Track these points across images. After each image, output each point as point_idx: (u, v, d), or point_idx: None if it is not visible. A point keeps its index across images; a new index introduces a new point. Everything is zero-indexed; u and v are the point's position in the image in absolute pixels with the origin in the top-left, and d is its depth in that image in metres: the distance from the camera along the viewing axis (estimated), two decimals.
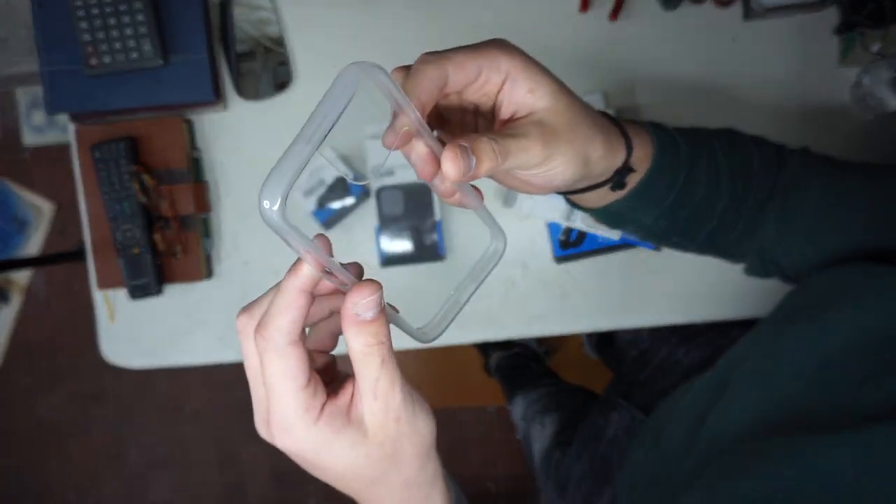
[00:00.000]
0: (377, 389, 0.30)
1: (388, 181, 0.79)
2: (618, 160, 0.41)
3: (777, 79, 0.79)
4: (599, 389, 1.02)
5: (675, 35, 0.80)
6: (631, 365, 0.95)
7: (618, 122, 0.42)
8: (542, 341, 1.61)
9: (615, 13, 0.79)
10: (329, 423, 0.30)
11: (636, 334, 0.99)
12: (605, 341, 1.37)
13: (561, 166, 0.36)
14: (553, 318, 0.82)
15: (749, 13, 0.78)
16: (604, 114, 0.42)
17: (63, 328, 1.83)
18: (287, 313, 0.29)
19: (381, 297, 0.30)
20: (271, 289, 0.31)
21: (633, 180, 0.44)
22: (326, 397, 0.31)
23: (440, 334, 0.34)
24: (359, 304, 0.29)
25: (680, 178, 0.47)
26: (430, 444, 0.33)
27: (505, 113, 0.36)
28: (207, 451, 1.82)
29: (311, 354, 0.31)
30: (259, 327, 0.29)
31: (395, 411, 0.31)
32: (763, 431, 0.44)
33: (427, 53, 0.33)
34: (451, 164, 0.31)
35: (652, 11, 0.80)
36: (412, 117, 0.31)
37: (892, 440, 0.36)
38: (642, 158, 0.44)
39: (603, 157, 0.39)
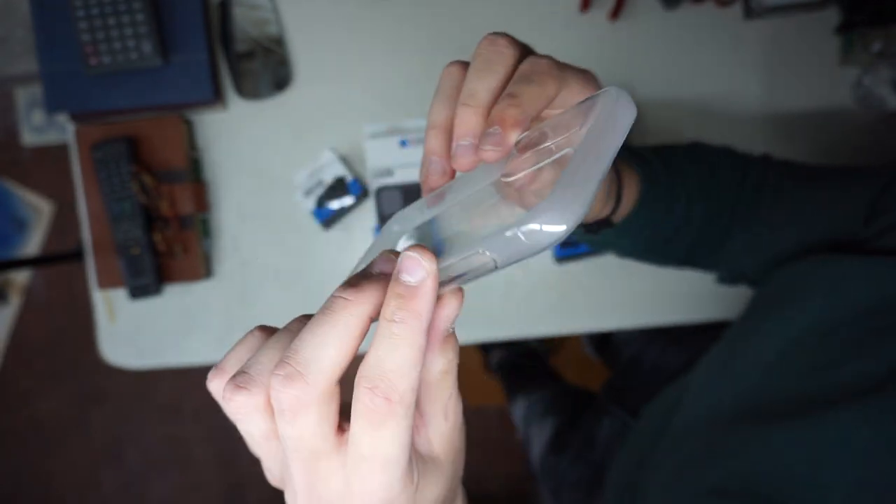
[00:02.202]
0: (448, 409, 0.25)
1: (388, 181, 0.79)
2: (605, 213, 0.43)
3: (777, 79, 0.79)
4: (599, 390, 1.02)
5: (675, 35, 0.80)
6: (624, 369, 0.96)
7: (619, 175, 0.44)
8: (542, 341, 1.61)
9: (615, 13, 0.79)
10: (419, 470, 0.25)
11: (630, 336, 1.00)
12: (605, 341, 1.37)
13: None
14: (553, 318, 0.82)
15: (749, 13, 0.78)
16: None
17: (63, 328, 1.83)
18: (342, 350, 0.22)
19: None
20: (239, 344, 0.25)
21: (617, 216, 0.46)
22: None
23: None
24: (451, 318, 0.24)
25: (660, 210, 0.49)
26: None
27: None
28: (207, 451, 1.82)
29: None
30: (367, 383, 0.22)
31: (461, 422, 0.27)
32: (724, 424, 0.44)
33: (549, 62, 0.29)
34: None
35: (652, 11, 0.80)
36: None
37: (840, 428, 0.36)
38: (628, 200, 0.45)
39: (596, 213, 0.41)
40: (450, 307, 0.24)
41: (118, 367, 0.86)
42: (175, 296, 0.85)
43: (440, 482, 0.26)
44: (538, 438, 0.96)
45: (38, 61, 0.80)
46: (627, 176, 0.45)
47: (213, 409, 1.81)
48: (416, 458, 0.25)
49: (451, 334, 0.24)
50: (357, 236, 0.82)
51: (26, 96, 1.81)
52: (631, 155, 0.48)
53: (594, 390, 1.03)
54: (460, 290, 0.24)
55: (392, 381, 0.22)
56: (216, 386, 0.25)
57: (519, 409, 1.09)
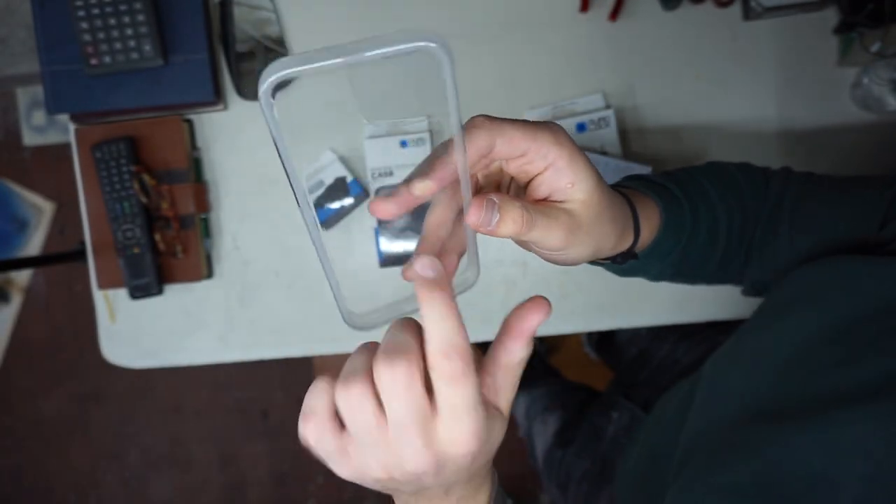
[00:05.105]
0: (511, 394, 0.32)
1: (388, 181, 0.79)
2: (625, 246, 0.43)
3: (776, 79, 0.79)
4: (600, 387, 1.02)
5: (675, 35, 0.80)
6: (631, 363, 0.96)
7: (632, 205, 0.44)
8: (542, 340, 1.61)
9: (615, 13, 0.79)
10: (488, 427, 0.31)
11: (635, 332, 1.00)
12: (605, 340, 1.37)
13: (573, 255, 0.38)
14: (553, 318, 0.82)
15: (749, 13, 0.78)
16: (620, 192, 0.43)
17: (63, 328, 1.83)
18: (459, 332, 0.29)
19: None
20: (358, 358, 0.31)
21: (639, 247, 0.46)
22: None
23: (368, 329, 0.34)
24: (538, 322, 0.31)
25: (684, 236, 0.49)
26: (495, 450, 0.34)
27: (540, 193, 0.37)
28: (207, 451, 1.82)
29: None
30: (440, 354, 0.28)
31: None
32: (738, 423, 0.45)
33: (482, 117, 0.33)
34: (474, 212, 0.32)
35: (652, 11, 0.80)
36: (461, 152, 0.31)
37: (854, 427, 0.36)
38: (648, 229, 0.46)
39: (613, 248, 0.42)
40: (539, 315, 0.31)
41: (118, 367, 0.87)
42: (175, 296, 0.85)
43: (501, 431, 0.32)
44: (542, 434, 0.96)
45: (38, 61, 0.80)
46: (644, 206, 0.45)
47: (213, 408, 1.82)
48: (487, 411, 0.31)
49: (533, 336, 0.31)
50: (357, 236, 0.82)
51: (27, 96, 1.81)
52: (647, 184, 0.49)
53: (596, 388, 1.03)
54: (549, 304, 0.31)
55: (463, 346, 0.28)
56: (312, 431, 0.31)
57: (520, 407, 1.09)
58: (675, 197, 0.49)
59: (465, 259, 0.37)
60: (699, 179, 0.53)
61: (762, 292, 0.60)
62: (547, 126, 0.35)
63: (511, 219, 0.33)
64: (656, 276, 0.53)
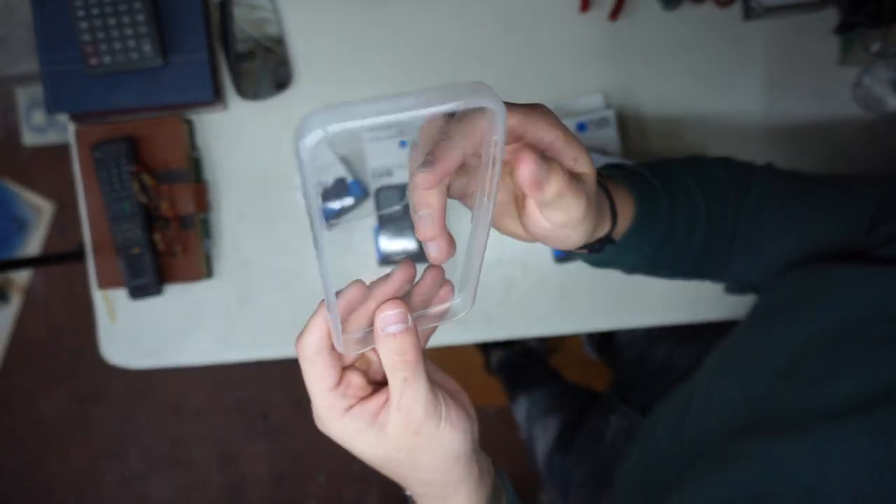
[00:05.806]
0: (400, 403, 0.33)
1: (388, 181, 0.79)
2: (602, 231, 0.43)
3: (776, 79, 0.79)
4: (601, 388, 1.02)
5: (675, 35, 0.80)
6: (629, 367, 0.96)
7: (607, 190, 0.44)
8: (542, 341, 1.61)
9: (615, 13, 0.79)
10: (353, 421, 0.34)
11: (634, 335, 1.00)
12: (605, 341, 1.37)
13: (579, 234, 0.37)
14: (553, 318, 0.82)
15: (749, 13, 0.78)
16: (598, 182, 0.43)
17: (63, 328, 1.83)
18: (314, 331, 0.33)
19: (407, 316, 0.32)
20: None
21: (617, 233, 0.46)
22: (360, 398, 0.34)
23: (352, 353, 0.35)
24: (382, 319, 0.32)
25: (660, 228, 0.49)
26: (455, 454, 0.35)
27: None
28: (207, 451, 1.82)
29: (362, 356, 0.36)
30: (297, 339, 0.34)
31: (416, 425, 0.33)
32: (734, 433, 0.45)
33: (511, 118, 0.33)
34: (527, 165, 0.31)
35: (652, 11, 0.80)
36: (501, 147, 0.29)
37: (844, 440, 0.37)
38: (623, 218, 0.46)
39: (598, 230, 0.41)
40: (381, 311, 0.33)
41: (118, 367, 0.87)
42: (175, 296, 0.85)
43: (377, 450, 0.34)
44: (543, 437, 0.96)
45: (38, 61, 0.80)
46: (618, 194, 0.45)
47: (213, 408, 1.82)
48: (368, 417, 0.34)
49: (395, 335, 0.32)
50: (357, 236, 0.82)
51: (26, 96, 1.81)
52: (623, 173, 0.48)
53: (596, 389, 1.03)
54: (399, 303, 0.33)
55: (301, 334, 0.35)
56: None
57: (521, 409, 1.09)
58: (651, 186, 0.49)
59: (457, 280, 0.36)
60: (678, 170, 0.52)
61: (746, 290, 0.60)
62: (537, 107, 0.34)
63: (556, 176, 0.32)
64: (631, 268, 0.52)
